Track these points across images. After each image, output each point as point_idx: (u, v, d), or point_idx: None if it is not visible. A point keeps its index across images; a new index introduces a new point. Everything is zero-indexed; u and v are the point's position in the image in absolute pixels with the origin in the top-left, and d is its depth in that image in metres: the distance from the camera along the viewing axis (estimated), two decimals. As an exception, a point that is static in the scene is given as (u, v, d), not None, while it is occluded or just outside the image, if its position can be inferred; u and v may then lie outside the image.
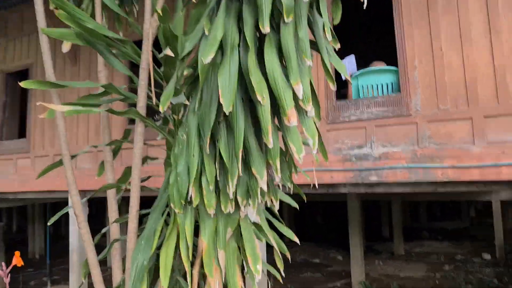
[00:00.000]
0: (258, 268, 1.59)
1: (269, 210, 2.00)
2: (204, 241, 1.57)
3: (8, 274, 2.60)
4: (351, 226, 6.90)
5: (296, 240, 2.19)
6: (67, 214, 10.35)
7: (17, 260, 2.59)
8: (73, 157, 2.53)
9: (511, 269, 7.42)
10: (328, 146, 4.14)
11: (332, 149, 4.19)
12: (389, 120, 3.97)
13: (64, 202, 10.11)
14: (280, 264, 1.87)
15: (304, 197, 2.53)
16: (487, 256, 8.38)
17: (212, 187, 1.52)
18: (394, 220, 8.84)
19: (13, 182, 6.29)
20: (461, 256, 8.64)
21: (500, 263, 7.86)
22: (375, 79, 4.32)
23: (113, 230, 2.18)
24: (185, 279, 1.85)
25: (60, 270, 9.28)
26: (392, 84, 4.23)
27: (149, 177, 2.85)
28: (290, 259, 2.14)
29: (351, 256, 6.85)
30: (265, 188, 1.55)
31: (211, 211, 1.53)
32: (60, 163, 2.43)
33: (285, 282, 7.54)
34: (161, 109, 1.75)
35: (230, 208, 1.54)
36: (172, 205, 1.58)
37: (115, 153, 2.67)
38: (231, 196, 1.51)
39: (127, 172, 2.33)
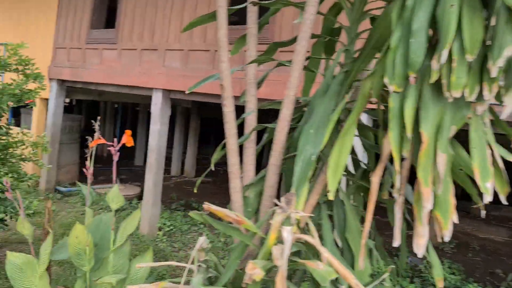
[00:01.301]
0: (487, 186, 1.15)
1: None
2: (425, 135, 1.12)
3: (117, 152, 2.34)
4: None
5: None
6: (138, 116, 10.42)
7: (127, 139, 2.31)
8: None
9: None
10: None
11: None
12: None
13: (140, 103, 10.13)
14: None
15: None
16: None
17: (472, 55, 1.03)
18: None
19: (98, 73, 6.13)
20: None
21: None
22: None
23: (251, 118, 1.78)
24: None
25: (126, 170, 9.46)
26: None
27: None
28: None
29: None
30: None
31: (456, 93, 1.06)
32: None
33: None
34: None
35: (487, 93, 1.06)
36: (386, 80, 1.13)
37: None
38: (494, 73, 1.03)
39: (272, 47, 1.87)
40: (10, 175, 3.44)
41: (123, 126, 11.03)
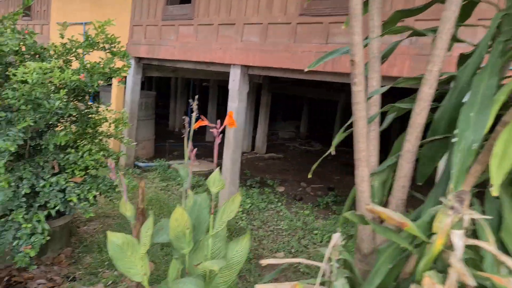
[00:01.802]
0: None
1: None
2: None
3: (220, 134, 2.23)
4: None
5: None
6: (208, 92, 10.46)
7: (229, 120, 2.19)
8: None
9: None
10: None
11: None
12: None
13: (210, 79, 10.15)
14: None
15: None
16: None
17: None
18: None
19: (174, 50, 6.12)
20: None
21: None
22: None
23: (373, 98, 1.57)
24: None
25: (198, 146, 9.57)
26: None
27: None
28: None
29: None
30: None
31: None
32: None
33: None
34: None
35: None
36: None
37: None
38: None
39: (397, 16, 1.63)
40: (101, 153, 3.49)
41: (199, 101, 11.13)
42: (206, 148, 9.55)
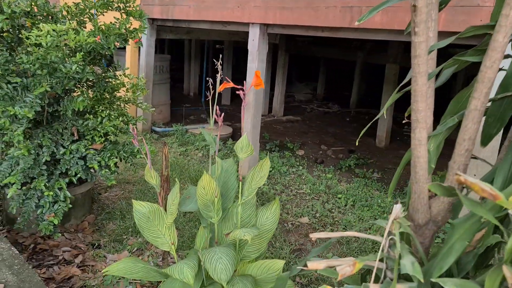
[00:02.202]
0: None
1: None
2: None
3: (244, 95, 2.08)
4: None
5: None
6: (222, 53, 10.20)
7: (257, 80, 2.03)
8: None
9: None
10: None
11: None
12: None
13: (225, 41, 9.88)
14: None
15: None
16: None
17: None
18: None
19: (189, 9, 5.87)
20: None
21: None
22: None
23: (426, 50, 1.38)
24: None
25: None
26: None
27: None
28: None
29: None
30: None
31: None
32: None
33: None
34: None
35: None
36: None
37: None
38: None
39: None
40: (120, 118, 3.37)
41: (207, 64, 10.87)
42: (222, 111, 9.40)
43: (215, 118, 2.13)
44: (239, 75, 13.71)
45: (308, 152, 6.73)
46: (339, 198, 4.77)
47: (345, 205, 4.63)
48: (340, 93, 12.85)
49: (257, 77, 2.01)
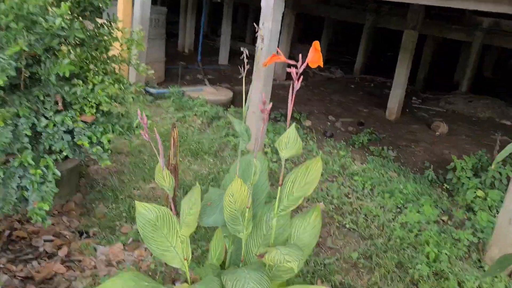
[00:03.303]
0: None
1: None
2: None
3: (300, 76, 1.52)
4: None
5: None
6: (221, 9, 9.38)
7: (315, 55, 1.46)
8: None
9: None
10: None
11: None
12: None
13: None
14: None
15: None
16: None
17: None
18: None
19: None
20: None
21: None
22: None
23: None
24: None
25: (211, 70, 8.76)
26: None
27: None
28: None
29: None
30: None
31: None
32: None
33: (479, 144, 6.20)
34: None
35: None
36: None
37: None
38: None
39: None
40: (116, 86, 2.78)
41: (205, 20, 10.05)
42: (219, 72, 8.76)
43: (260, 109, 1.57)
44: (240, 34, 12.91)
45: (316, 123, 6.21)
46: (355, 180, 4.30)
47: (363, 189, 4.17)
48: (343, 58, 12.22)
49: (316, 51, 1.45)
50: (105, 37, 2.96)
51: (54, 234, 2.92)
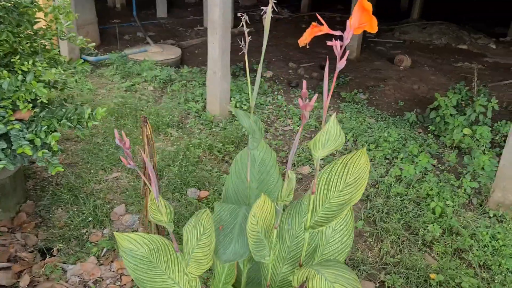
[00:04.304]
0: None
1: None
2: None
3: (341, 48, 1.06)
4: None
5: None
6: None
7: (366, 16, 1.00)
8: None
9: None
10: None
11: None
12: None
13: None
14: None
15: None
16: None
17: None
18: None
19: None
20: None
21: None
22: None
23: None
24: None
25: (149, 24, 7.93)
26: None
27: None
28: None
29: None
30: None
31: None
32: None
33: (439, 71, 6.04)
34: None
35: None
36: None
37: None
38: None
39: None
40: (54, 70, 2.18)
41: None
42: (159, 27, 7.96)
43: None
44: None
45: (277, 73, 5.76)
46: (335, 133, 3.97)
47: (345, 142, 3.86)
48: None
49: (366, 11, 0.99)
50: (29, 9, 2.30)
51: (9, 258, 2.40)
